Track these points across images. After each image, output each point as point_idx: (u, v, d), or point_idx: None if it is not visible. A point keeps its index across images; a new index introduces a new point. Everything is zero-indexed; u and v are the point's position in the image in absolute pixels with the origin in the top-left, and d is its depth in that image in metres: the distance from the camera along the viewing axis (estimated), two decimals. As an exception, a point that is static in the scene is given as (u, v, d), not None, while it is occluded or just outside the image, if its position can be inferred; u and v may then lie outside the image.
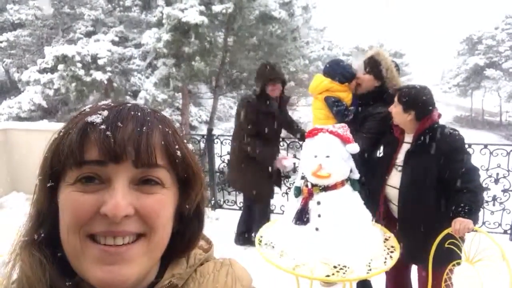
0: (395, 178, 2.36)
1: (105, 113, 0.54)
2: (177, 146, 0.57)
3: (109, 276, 0.52)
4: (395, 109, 2.30)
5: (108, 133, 0.51)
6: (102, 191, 0.52)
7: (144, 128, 0.54)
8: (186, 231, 0.63)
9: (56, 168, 0.54)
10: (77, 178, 0.52)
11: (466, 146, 3.83)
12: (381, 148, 2.91)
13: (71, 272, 0.55)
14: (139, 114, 0.55)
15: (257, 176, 3.57)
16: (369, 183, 2.53)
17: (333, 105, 2.83)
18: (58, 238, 0.55)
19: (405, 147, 2.36)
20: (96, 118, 0.53)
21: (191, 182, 0.60)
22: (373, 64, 2.76)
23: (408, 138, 2.35)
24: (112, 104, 0.57)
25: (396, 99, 2.30)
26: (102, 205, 0.51)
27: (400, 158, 2.36)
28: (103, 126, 0.52)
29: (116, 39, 12.77)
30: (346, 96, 2.88)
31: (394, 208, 2.40)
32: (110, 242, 0.52)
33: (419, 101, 2.25)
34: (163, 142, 0.55)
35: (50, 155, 0.55)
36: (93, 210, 0.51)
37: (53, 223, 0.55)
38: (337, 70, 2.88)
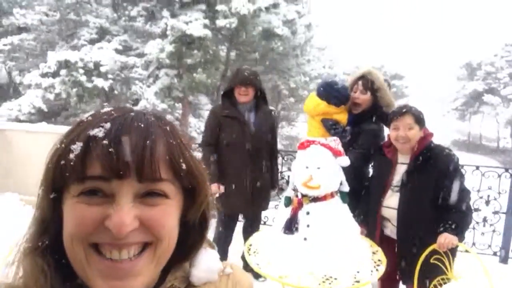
0: (392, 199, 2.37)
1: (108, 125, 0.52)
2: (181, 159, 0.55)
3: None
4: (413, 131, 2.27)
5: (110, 149, 0.50)
6: (107, 204, 0.51)
7: (148, 141, 0.52)
8: (189, 238, 0.63)
9: (59, 182, 0.53)
10: (81, 191, 0.52)
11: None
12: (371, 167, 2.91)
13: (74, 275, 0.56)
14: (142, 125, 0.54)
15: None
16: (364, 205, 2.54)
17: (331, 128, 2.80)
18: (62, 244, 0.54)
19: (400, 168, 2.37)
20: (99, 132, 0.52)
21: (196, 191, 0.59)
22: (368, 84, 2.77)
23: (403, 159, 2.37)
24: (115, 114, 0.55)
25: (412, 120, 2.27)
26: (107, 219, 0.50)
27: (396, 179, 2.37)
28: (105, 142, 0.51)
29: (120, 47, 12.92)
30: (342, 117, 2.86)
31: (392, 228, 2.41)
32: (116, 256, 0.52)
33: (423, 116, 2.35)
34: (167, 156, 0.54)
35: (52, 167, 0.54)
36: (98, 222, 0.51)
37: (57, 231, 0.55)
38: (332, 93, 2.79)
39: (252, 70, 3.21)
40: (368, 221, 2.48)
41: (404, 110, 2.31)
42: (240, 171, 3.13)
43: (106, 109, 0.57)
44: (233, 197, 3.13)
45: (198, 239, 0.65)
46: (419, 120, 2.29)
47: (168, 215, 0.55)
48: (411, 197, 2.28)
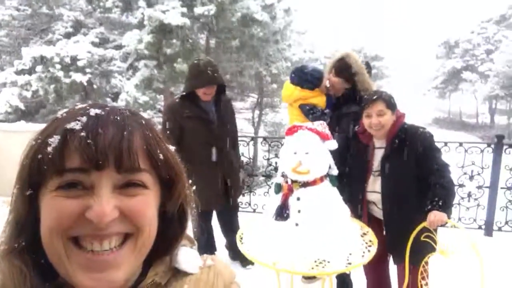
0: (374, 184, 2.40)
1: (84, 119, 0.52)
2: (158, 150, 0.56)
3: (97, 284, 0.52)
4: (386, 117, 2.28)
5: (89, 140, 0.50)
6: (86, 196, 0.51)
7: (125, 133, 0.53)
8: (169, 231, 0.63)
9: (36, 177, 0.52)
10: (59, 185, 0.51)
11: (443, 144, 4.00)
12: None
13: (54, 274, 0.55)
14: (118, 118, 0.54)
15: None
16: (347, 192, 2.54)
17: (309, 113, 2.81)
18: (40, 244, 0.53)
19: (378, 153, 2.39)
20: (76, 125, 0.51)
21: (174, 182, 0.60)
22: (343, 67, 2.75)
23: (379, 143, 2.39)
24: (90, 109, 0.55)
25: (383, 107, 2.28)
26: (87, 210, 0.50)
27: (375, 164, 2.39)
28: (83, 134, 0.51)
29: (96, 40, 12.61)
30: (320, 100, 2.87)
31: (377, 210, 2.44)
32: (97, 247, 0.52)
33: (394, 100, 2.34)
34: (145, 146, 0.55)
35: (28, 163, 0.53)
36: (77, 214, 0.51)
37: (34, 230, 0.54)
38: (303, 78, 2.84)
39: (212, 64, 2.96)
40: (354, 207, 2.49)
41: (374, 97, 2.31)
42: (209, 168, 3.03)
43: (80, 106, 0.57)
44: (206, 194, 2.98)
45: (178, 231, 0.65)
46: (390, 105, 2.30)
47: (147, 205, 0.56)
48: (393, 180, 2.31)
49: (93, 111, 0.54)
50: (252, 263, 3.27)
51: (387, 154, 2.32)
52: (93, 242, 0.52)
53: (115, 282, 0.53)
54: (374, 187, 2.40)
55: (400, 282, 2.42)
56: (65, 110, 0.57)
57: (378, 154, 2.39)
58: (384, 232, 2.41)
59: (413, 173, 2.27)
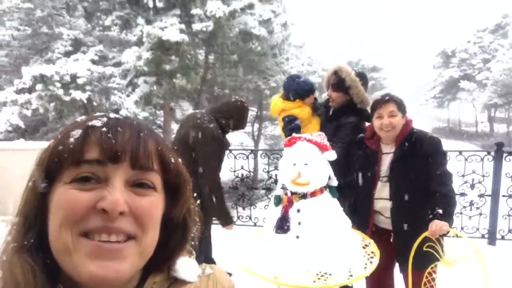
0: (382, 190, 2.37)
1: (104, 119, 0.58)
2: (170, 155, 0.61)
3: (103, 271, 0.53)
4: (397, 118, 2.28)
5: (109, 135, 0.55)
6: (100, 189, 0.53)
7: (141, 134, 0.58)
8: (171, 240, 0.65)
9: (53, 168, 0.55)
10: (74, 177, 0.54)
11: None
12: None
13: (56, 278, 0.56)
14: (135, 123, 0.60)
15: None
16: (352, 197, 2.52)
17: (286, 125, 2.93)
18: (45, 245, 0.55)
19: (386, 158, 2.37)
20: (97, 123, 0.56)
21: (181, 189, 0.63)
22: (339, 82, 2.79)
23: (387, 148, 2.38)
24: (110, 114, 0.60)
25: (395, 108, 2.28)
26: (100, 201, 0.52)
27: (383, 170, 2.37)
28: (104, 129, 0.56)
29: (96, 58, 12.72)
30: (300, 111, 2.95)
31: (383, 220, 2.41)
32: (105, 238, 0.53)
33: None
34: (159, 147, 0.59)
35: (47, 155, 0.56)
36: (90, 206, 0.52)
37: (41, 228, 0.56)
38: (292, 86, 2.95)
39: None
40: (358, 217, 2.46)
41: (386, 98, 2.33)
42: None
43: (99, 114, 0.62)
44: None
45: (180, 241, 0.66)
46: (401, 107, 2.31)
47: (155, 207, 0.58)
48: (403, 184, 2.28)
49: (112, 115, 0.60)
50: None
51: (396, 158, 2.31)
52: (102, 234, 0.53)
53: (120, 273, 0.54)
54: (382, 194, 2.37)
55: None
56: (84, 116, 0.62)
57: (386, 160, 2.37)
58: (392, 240, 2.37)
59: (423, 176, 2.25)
